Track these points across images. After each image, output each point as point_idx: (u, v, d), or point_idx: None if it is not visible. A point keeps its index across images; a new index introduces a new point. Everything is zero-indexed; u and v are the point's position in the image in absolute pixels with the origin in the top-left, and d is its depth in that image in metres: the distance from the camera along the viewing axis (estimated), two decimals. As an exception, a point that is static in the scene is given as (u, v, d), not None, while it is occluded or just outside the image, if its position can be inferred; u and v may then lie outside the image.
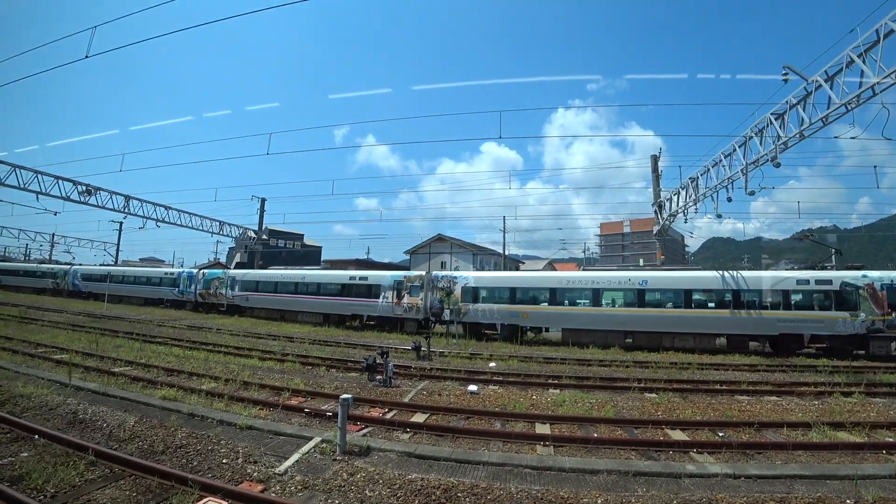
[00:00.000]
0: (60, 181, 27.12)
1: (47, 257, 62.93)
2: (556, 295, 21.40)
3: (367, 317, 26.12)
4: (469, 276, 24.02)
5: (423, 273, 25.09)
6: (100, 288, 40.58)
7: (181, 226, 35.31)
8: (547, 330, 23.39)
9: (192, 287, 34.56)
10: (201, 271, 35.22)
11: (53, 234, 62.20)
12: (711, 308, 19.44)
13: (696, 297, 19.72)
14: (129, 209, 31.24)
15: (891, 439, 8.04)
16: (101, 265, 49.76)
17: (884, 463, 6.93)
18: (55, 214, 32.16)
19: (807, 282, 18.57)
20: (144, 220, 32.24)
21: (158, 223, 33.28)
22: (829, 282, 18.22)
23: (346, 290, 26.66)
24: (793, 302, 18.60)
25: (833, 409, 10.09)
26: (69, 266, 47.06)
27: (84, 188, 28.03)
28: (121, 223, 55.33)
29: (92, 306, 36.00)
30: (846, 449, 7.45)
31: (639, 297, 20.16)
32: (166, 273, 38.23)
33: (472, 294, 22.89)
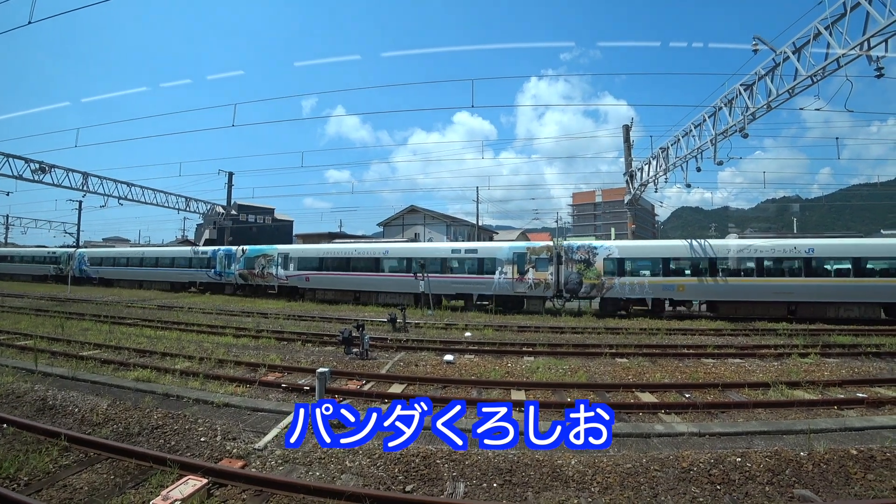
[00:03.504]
0: (11, 159, 25.61)
1: (3, 241, 59.89)
2: (715, 265, 20.10)
3: (479, 296, 22.97)
4: (612, 245, 21.82)
5: (551, 243, 22.76)
6: (114, 273, 37.29)
7: (145, 203, 33.87)
8: (691, 303, 21.83)
9: (232, 267, 30.90)
10: (241, 248, 31.07)
11: (7, 216, 59.13)
12: (884, 277, 18.83)
13: (865, 265, 18.99)
14: (87, 187, 29.75)
15: (842, 396, 8.56)
16: (62, 247, 47.56)
17: (835, 418, 7.40)
18: (7, 195, 30.57)
19: None
20: (105, 197, 30.83)
21: (121, 201, 31.87)
22: None
23: (447, 265, 23.59)
24: None
25: (791, 370, 10.64)
26: (73, 249, 43.29)
27: (37, 166, 26.52)
28: (80, 202, 52.66)
29: (55, 290, 34.67)
30: (801, 406, 7.92)
31: (805, 265, 19.23)
32: (196, 252, 34.19)
33: (617, 266, 20.93)
